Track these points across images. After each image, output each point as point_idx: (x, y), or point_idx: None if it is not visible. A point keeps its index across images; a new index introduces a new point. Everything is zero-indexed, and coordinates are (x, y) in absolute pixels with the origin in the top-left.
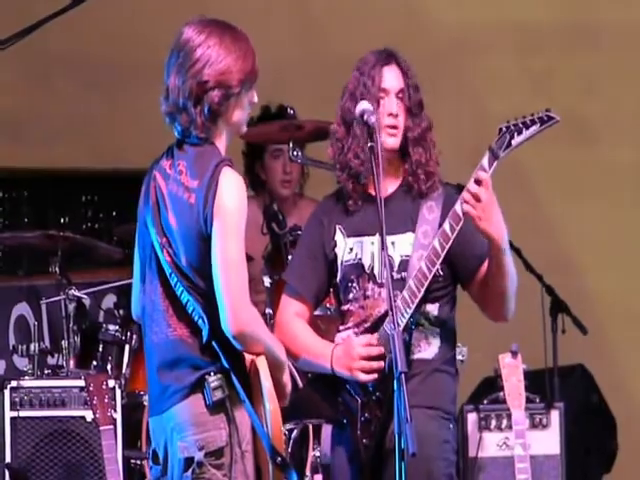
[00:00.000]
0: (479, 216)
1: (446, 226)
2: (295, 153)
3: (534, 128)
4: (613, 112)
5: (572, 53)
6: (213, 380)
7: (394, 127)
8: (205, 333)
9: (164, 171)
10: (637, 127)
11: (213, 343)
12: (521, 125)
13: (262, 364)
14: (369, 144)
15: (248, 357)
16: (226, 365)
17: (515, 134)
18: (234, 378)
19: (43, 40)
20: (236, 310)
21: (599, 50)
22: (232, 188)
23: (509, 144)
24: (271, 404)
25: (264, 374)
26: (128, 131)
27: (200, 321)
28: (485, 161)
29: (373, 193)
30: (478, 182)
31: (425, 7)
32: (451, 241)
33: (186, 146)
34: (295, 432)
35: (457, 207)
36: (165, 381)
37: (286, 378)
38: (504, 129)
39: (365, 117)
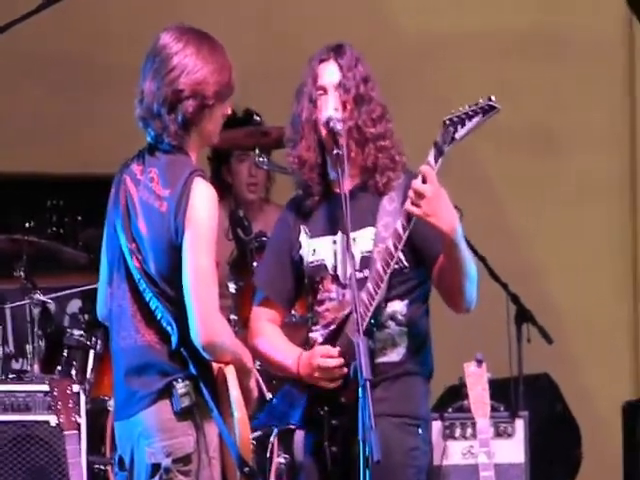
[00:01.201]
0: (426, 212)
1: (398, 226)
2: (261, 159)
3: (477, 119)
4: (578, 123)
5: (538, 63)
6: (181, 387)
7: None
8: (174, 340)
9: (135, 176)
10: (602, 138)
11: (181, 350)
12: (464, 116)
13: (230, 372)
14: (335, 151)
15: (216, 365)
16: (194, 372)
17: (458, 126)
18: (202, 386)
19: (9, 41)
20: (206, 321)
21: (565, 60)
22: (204, 199)
23: (453, 138)
24: (239, 413)
25: (232, 383)
26: (94, 135)
27: (169, 328)
28: (431, 157)
29: (335, 190)
30: (423, 178)
31: (391, 14)
32: (404, 240)
33: (158, 153)
34: (261, 437)
35: (407, 205)
36: (132, 386)
37: (252, 384)
38: (447, 122)
39: (331, 124)
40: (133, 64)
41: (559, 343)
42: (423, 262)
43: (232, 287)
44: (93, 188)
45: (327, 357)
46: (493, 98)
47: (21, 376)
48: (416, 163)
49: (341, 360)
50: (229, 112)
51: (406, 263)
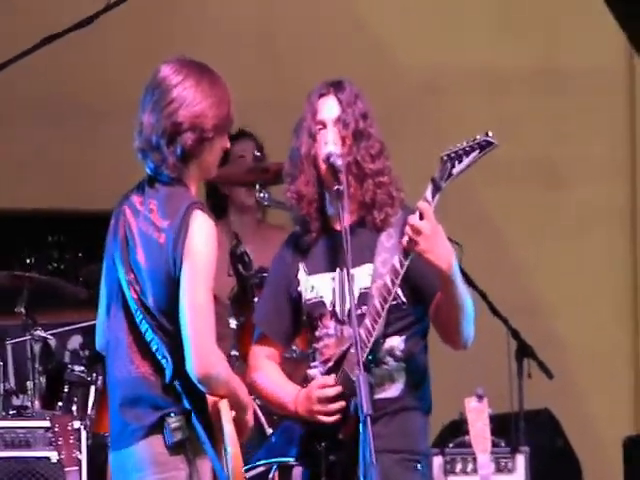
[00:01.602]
0: (423, 249)
1: (395, 262)
2: (262, 195)
3: (474, 155)
4: (580, 156)
5: (540, 97)
6: (173, 421)
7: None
8: (168, 373)
9: (134, 207)
10: (604, 171)
11: (175, 383)
12: (461, 152)
13: (224, 406)
14: (335, 187)
15: (210, 398)
16: (188, 406)
17: (456, 162)
18: (195, 419)
19: (9, 79)
20: (202, 354)
21: (566, 95)
22: (203, 231)
23: (450, 174)
24: (233, 448)
25: (226, 417)
26: (94, 172)
27: (164, 360)
28: (429, 193)
29: (334, 227)
30: (420, 215)
31: (394, 49)
32: (401, 276)
33: (157, 184)
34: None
35: (404, 241)
36: (126, 418)
37: (248, 417)
38: (445, 158)
39: (331, 160)
40: (133, 101)
41: (560, 377)
42: (421, 299)
43: (233, 323)
44: (93, 224)
45: (324, 387)
46: (490, 134)
47: (22, 412)
48: (416, 199)
49: (339, 388)
50: (228, 146)
51: (404, 299)
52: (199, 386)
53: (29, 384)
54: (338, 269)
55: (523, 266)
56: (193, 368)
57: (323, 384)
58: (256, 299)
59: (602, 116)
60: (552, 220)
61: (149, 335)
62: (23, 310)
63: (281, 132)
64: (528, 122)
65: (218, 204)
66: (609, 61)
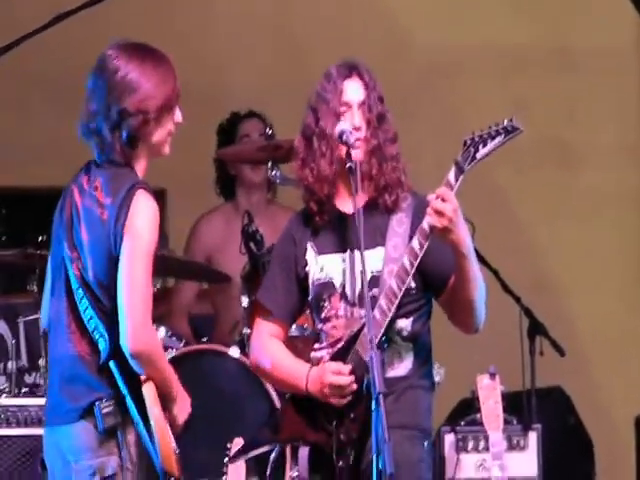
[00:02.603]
0: (445, 230)
1: (414, 243)
2: (274, 173)
3: (499, 139)
4: (594, 136)
5: (553, 77)
6: (105, 406)
7: (357, 140)
8: (104, 352)
9: (81, 186)
10: (617, 151)
11: (111, 363)
12: (486, 136)
13: (149, 389)
14: (347, 164)
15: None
16: (122, 387)
17: (480, 146)
18: (129, 401)
19: (21, 59)
20: (136, 329)
21: (580, 74)
22: (145, 210)
23: (474, 157)
24: (157, 427)
25: (150, 400)
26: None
27: (101, 339)
28: (451, 175)
29: (342, 209)
30: (441, 197)
31: (407, 30)
32: (419, 258)
33: (105, 164)
34: (273, 453)
35: (424, 223)
36: (62, 396)
37: (176, 410)
38: (469, 142)
39: (344, 137)
40: None
41: (572, 356)
42: (432, 284)
43: (245, 301)
44: None
45: (338, 374)
46: (515, 119)
47: (34, 390)
48: (431, 180)
49: (352, 378)
50: (179, 120)
51: (414, 284)
52: (131, 363)
53: (41, 362)
54: (349, 250)
55: (535, 246)
56: (126, 343)
57: (338, 370)
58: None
59: (614, 97)
60: (564, 201)
61: (88, 313)
62: (36, 288)
63: (293, 112)
64: (541, 103)
65: (227, 185)
66: (621, 42)
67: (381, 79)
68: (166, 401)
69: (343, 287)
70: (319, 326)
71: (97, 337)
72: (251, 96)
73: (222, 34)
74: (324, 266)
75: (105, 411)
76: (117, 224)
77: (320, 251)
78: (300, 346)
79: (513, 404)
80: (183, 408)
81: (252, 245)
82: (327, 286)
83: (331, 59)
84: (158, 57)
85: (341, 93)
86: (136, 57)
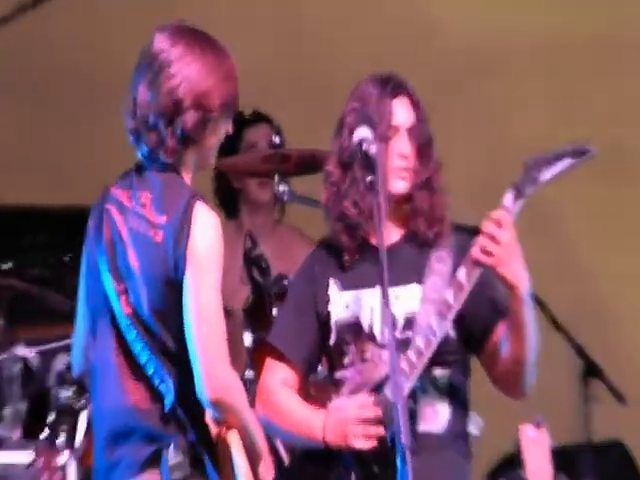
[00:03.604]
0: (498, 261)
1: (460, 274)
2: (281, 189)
3: (566, 162)
4: None
5: (604, 77)
6: (173, 457)
7: (405, 170)
8: (169, 400)
9: (120, 204)
10: None
11: (178, 411)
12: (551, 158)
13: (234, 438)
14: (369, 178)
15: (215, 428)
16: (192, 437)
17: (543, 169)
18: (201, 453)
19: None
20: (213, 371)
21: (631, 72)
22: (208, 228)
23: (536, 180)
24: None
25: (237, 450)
26: (87, 161)
27: (162, 385)
28: (507, 200)
29: (374, 242)
30: (497, 222)
31: (435, 24)
32: (466, 292)
33: (148, 173)
34: None
35: (473, 251)
36: (115, 454)
37: (263, 468)
38: (531, 163)
39: (364, 147)
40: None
41: (634, 404)
42: (472, 333)
43: (248, 339)
44: (83, 222)
45: (364, 407)
46: (588, 144)
47: None
48: (465, 193)
49: (378, 411)
50: (231, 130)
51: (453, 332)
52: (212, 411)
53: (7, 411)
54: (378, 286)
55: (590, 271)
56: (204, 390)
57: (363, 404)
58: (274, 312)
59: None
60: (624, 218)
61: (144, 356)
62: (0, 324)
63: (303, 116)
64: (589, 104)
65: (229, 200)
66: None
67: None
68: (251, 456)
69: (371, 327)
70: (340, 373)
71: (157, 382)
72: (255, 97)
73: (223, 23)
74: (349, 304)
75: (172, 462)
76: (178, 247)
77: (345, 286)
78: (315, 393)
79: (564, 460)
80: (269, 467)
81: (256, 273)
82: (353, 327)
83: (348, 55)
84: (220, 49)
85: (390, 115)
86: (196, 45)
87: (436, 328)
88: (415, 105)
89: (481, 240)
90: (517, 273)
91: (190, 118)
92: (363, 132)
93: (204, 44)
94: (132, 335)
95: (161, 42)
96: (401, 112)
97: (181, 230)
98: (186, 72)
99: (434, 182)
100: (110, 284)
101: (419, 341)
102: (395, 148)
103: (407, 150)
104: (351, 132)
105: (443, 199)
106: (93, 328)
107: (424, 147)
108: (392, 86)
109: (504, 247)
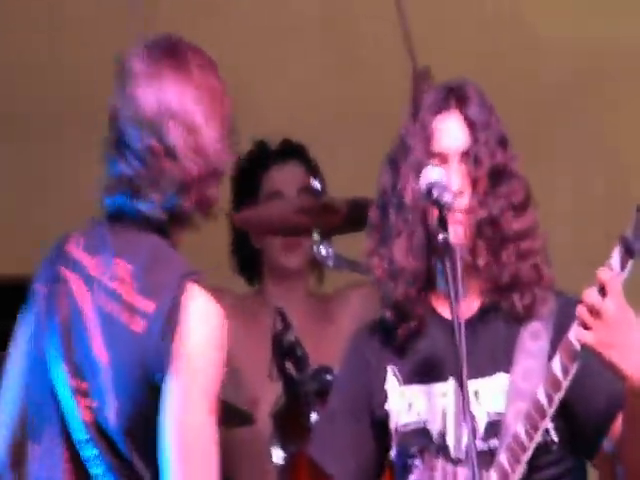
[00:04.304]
0: (602, 341)
1: (555, 366)
2: (323, 250)
3: None
4: None
5: None
6: None
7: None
8: None
9: (83, 271)
10: None
11: None
12: None
13: None
14: (441, 236)
15: None
16: None
17: None
18: None
19: None
20: None
21: None
22: (206, 321)
23: None
24: None
25: None
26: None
27: None
28: (614, 258)
29: (441, 312)
30: (601, 289)
31: (535, 22)
32: (563, 390)
33: (126, 233)
34: None
35: (571, 335)
36: None
37: None
38: None
39: (435, 194)
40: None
41: None
42: (581, 436)
43: (278, 455)
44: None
45: None
46: None
47: None
48: (569, 241)
49: None
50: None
51: (554, 435)
52: None
53: None
54: (452, 378)
55: None
56: None
57: None
58: (314, 418)
59: None
60: None
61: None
62: None
63: (352, 152)
64: None
65: (249, 265)
66: None
67: (501, 101)
68: None
69: (443, 436)
70: None
71: None
72: (286, 123)
73: (248, 40)
74: (413, 403)
75: None
76: (163, 342)
77: (407, 379)
78: None
79: None
80: None
81: (289, 365)
82: (419, 435)
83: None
84: (206, 65)
85: (429, 138)
86: (173, 68)
87: (524, 440)
88: (471, 122)
89: (580, 312)
90: (630, 357)
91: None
92: (434, 173)
93: (182, 63)
94: (90, 453)
95: (133, 62)
96: (447, 134)
97: (169, 321)
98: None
99: (503, 227)
100: (63, 380)
101: (504, 458)
102: (428, 179)
103: (457, 184)
104: (390, 162)
105: (521, 252)
106: (32, 433)
107: (487, 179)
108: (439, 94)
109: (608, 322)
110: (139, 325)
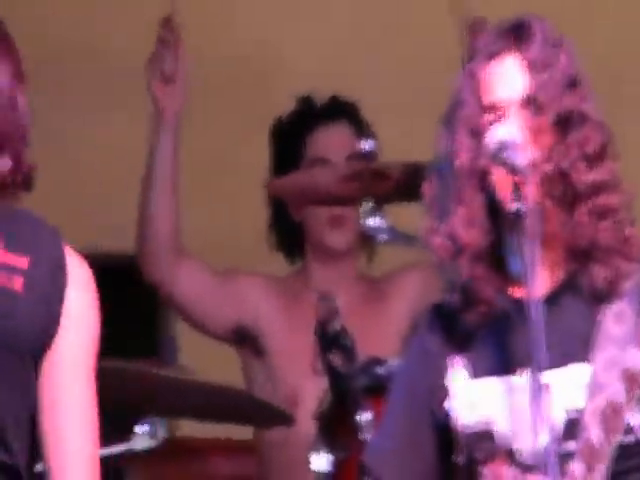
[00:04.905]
0: None
1: (636, 358)
2: (374, 223)
3: None
4: None
5: None
6: None
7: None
8: None
9: None
10: None
11: None
12: None
13: None
14: (514, 206)
15: None
16: None
17: None
18: None
19: None
20: None
21: None
22: (85, 280)
23: None
24: None
25: None
26: None
27: None
28: None
29: (515, 294)
30: None
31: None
32: None
33: None
34: None
35: None
36: None
37: None
38: None
39: (505, 156)
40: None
41: None
42: None
43: (322, 461)
44: None
45: None
46: None
47: None
48: None
49: None
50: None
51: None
52: None
53: None
54: (525, 370)
55: None
56: None
57: None
58: (365, 418)
59: None
60: None
61: None
62: None
63: (404, 108)
64: None
65: (290, 240)
66: None
67: (570, 45)
68: None
69: (512, 438)
70: None
71: None
72: (327, 77)
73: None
74: (479, 399)
75: None
76: (49, 304)
77: (474, 372)
78: None
79: None
80: None
81: (335, 357)
82: (484, 438)
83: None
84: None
85: (479, 89)
86: None
87: (604, 443)
88: (531, 66)
89: None
90: None
91: None
92: (502, 132)
93: None
94: None
95: None
96: (502, 82)
97: (54, 278)
98: None
99: (576, 182)
100: None
101: (578, 467)
102: (497, 138)
103: (516, 137)
104: (447, 125)
105: (599, 210)
106: None
107: (552, 127)
108: (490, 40)
109: None
110: (17, 283)
